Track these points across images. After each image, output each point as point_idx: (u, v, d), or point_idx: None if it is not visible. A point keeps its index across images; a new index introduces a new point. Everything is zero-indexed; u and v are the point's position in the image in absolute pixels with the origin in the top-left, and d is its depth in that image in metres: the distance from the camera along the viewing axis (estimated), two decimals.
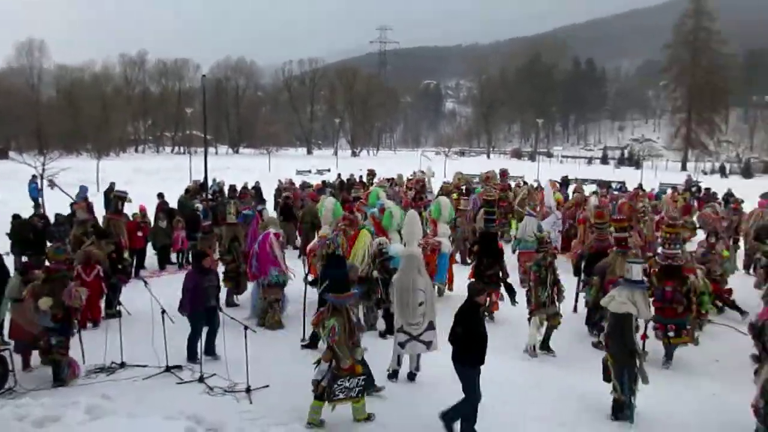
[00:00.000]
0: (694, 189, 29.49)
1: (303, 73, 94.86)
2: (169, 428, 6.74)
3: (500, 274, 10.80)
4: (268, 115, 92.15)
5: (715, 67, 71.90)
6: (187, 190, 18.04)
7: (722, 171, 60.33)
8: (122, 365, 8.39)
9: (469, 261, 13.78)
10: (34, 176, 22.00)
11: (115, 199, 14.06)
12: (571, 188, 21.86)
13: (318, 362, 6.89)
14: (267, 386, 7.79)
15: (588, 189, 22.88)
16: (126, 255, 12.26)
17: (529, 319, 9.25)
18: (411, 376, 8.23)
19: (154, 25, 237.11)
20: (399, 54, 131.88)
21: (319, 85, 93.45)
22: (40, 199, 20.53)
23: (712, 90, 71.59)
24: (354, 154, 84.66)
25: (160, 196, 16.78)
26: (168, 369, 8.25)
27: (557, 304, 9.30)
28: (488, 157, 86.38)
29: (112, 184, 19.98)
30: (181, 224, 14.82)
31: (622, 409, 7.09)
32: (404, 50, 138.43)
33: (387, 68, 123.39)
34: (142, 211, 14.83)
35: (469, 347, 6.54)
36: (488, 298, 10.39)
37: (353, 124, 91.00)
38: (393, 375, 8.21)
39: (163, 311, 8.29)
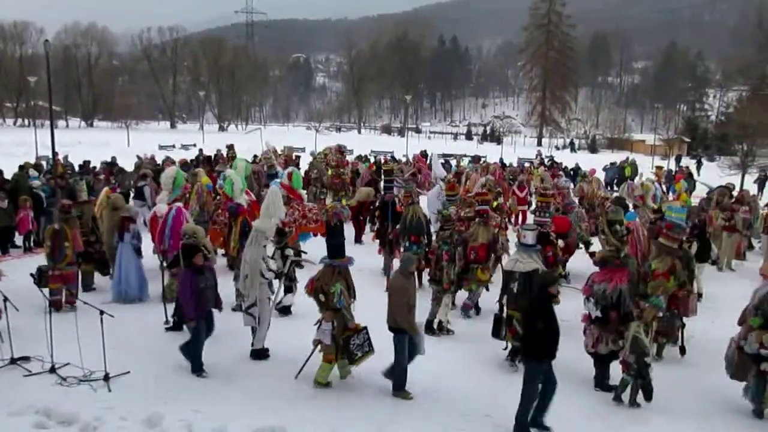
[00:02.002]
0: (547, 162, 31.87)
1: (163, 43, 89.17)
2: (15, 425, 6.25)
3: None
4: (126, 86, 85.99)
5: (566, 49, 77.41)
6: (21, 167, 16.43)
7: (572, 146, 65.33)
8: None
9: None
10: None
11: None
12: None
13: (318, 323, 7.25)
14: (128, 372, 7.41)
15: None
16: None
17: (438, 298, 9.27)
18: (254, 353, 8.14)
19: None
20: (266, 26, 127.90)
21: (181, 56, 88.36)
22: None
23: (563, 71, 77.15)
24: (221, 129, 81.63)
25: None
26: (13, 361, 7.57)
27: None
28: (359, 132, 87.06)
29: None
30: (29, 203, 13.52)
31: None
32: (272, 22, 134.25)
33: (255, 40, 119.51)
34: None
35: (546, 341, 6.25)
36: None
37: (220, 98, 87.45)
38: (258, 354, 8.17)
39: (6, 299, 7.58)
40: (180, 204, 10.88)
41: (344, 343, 7.21)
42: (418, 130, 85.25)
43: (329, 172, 18.63)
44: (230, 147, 21.53)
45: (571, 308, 8.37)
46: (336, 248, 7.34)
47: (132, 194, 16.78)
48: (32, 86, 58.00)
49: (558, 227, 11.17)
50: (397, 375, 7.16)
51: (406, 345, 7.09)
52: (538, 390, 6.37)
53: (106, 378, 7.16)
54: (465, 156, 37.40)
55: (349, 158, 25.06)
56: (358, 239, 15.13)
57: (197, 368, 7.59)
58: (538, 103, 79.29)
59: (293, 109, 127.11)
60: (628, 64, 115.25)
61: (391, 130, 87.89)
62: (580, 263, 12.10)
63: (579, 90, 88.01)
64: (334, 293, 7.12)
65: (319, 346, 7.33)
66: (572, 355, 8.20)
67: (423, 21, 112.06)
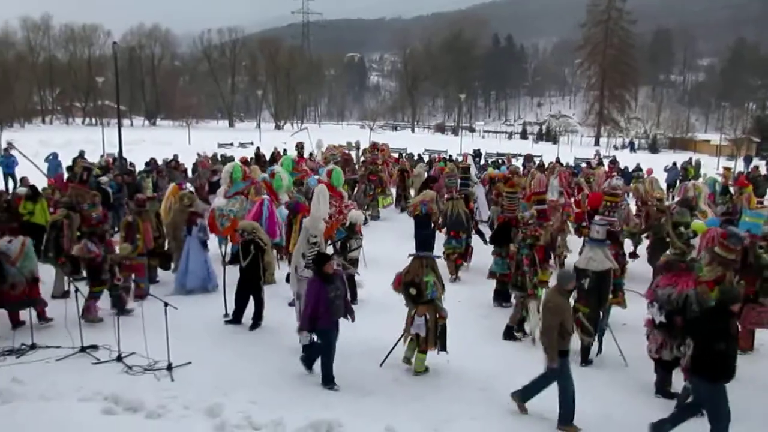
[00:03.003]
0: (609, 162, 31.00)
1: (223, 43, 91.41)
2: (85, 410, 6.54)
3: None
4: (187, 86, 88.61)
5: (626, 46, 75.13)
6: None
7: (631, 146, 63.38)
8: (33, 347, 7.99)
9: None
10: None
11: (81, 169, 14.17)
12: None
13: (411, 319, 7.47)
14: (189, 363, 7.65)
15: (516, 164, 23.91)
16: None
17: (523, 303, 8.91)
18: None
19: None
20: (321, 26, 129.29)
21: (240, 56, 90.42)
22: None
23: (622, 68, 74.92)
24: (278, 127, 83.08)
25: (70, 169, 15.93)
26: (83, 349, 7.92)
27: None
28: (413, 131, 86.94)
29: (82, 152, 19.80)
30: (98, 198, 14.12)
31: (588, 353, 8.07)
32: (327, 22, 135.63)
33: (310, 40, 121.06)
34: (52, 185, 14.05)
35: (728, 362, 5.97)
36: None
37: (276, 97, 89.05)
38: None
39: (77, 290, 7.96)
40: (267, 197, 11.42)
41: (441, 331, 7.50)
42: (472, 129, 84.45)
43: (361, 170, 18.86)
44: (300, 145, 21.80)
45: (630, 312, 8.17)
46: (425, 240, 7.55)
47: (206, 189, 17.81)
48: (99, 86, 60.60)
49: (591, 202, 11.98)
50: (564, 406, 6.44)
51: (569, 368, 6.49)
52: (729, 409, 6.00)
53: (169, 368, 7.42)
54: (519, 156, 36.80)
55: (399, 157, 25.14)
56: None
57: (328, 381, 7.26)
58: (596, 101, 77.24)
59: (348, 107, 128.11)
60: (692, 61, 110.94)
61: (444, 129, 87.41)
62: (641, 266, 11.79)
63: (639, 88, 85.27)
64: (428, 283, 7.29)
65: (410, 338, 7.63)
66: (631, 360, 8.03)
67: (478, 19, 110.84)
